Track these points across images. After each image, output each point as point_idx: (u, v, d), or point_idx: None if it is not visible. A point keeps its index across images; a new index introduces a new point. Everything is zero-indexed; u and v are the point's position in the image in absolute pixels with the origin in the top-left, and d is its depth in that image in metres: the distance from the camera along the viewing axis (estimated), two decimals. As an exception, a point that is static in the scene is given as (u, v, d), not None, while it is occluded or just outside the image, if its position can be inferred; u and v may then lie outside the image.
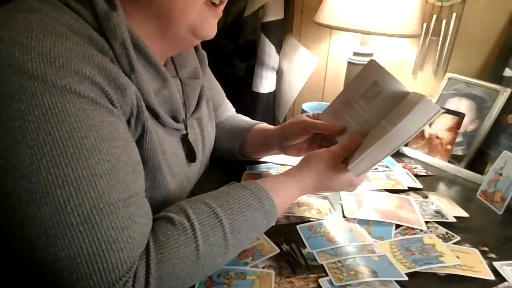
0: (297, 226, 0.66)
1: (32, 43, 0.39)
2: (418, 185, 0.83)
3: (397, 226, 0.67)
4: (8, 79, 0.38)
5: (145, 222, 0.45)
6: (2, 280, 0.46)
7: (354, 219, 0.69)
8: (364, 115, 0.65)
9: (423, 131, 0.96)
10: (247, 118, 0.88)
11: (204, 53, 0.74)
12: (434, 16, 1.12)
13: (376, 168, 0.89)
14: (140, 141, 0.52)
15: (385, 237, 0.64)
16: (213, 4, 0.54)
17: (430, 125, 0.95)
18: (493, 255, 0.62)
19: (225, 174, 0.81)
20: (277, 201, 0.55)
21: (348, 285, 0.53)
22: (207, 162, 0.81)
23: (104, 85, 0.44)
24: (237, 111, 0.94)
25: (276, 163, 0.89)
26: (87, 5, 0.47)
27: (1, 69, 0.39)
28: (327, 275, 0.55)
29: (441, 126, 0.95)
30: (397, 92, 0.61)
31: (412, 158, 0.98)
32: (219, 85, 0.88)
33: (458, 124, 0.92)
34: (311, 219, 0.69)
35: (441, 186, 0.85)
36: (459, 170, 0.90)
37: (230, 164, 0.85)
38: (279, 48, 1.48)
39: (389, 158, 0.93)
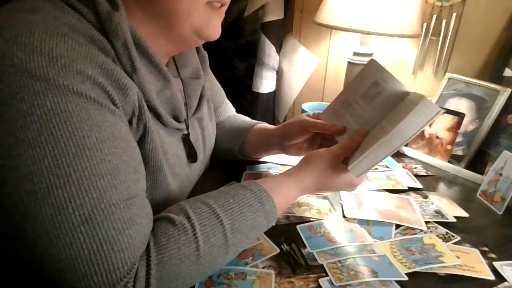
0: (297, 226, 0.66)
1: (34, 43, 0.39)
2: (418, 185, 0.83)
3: (397, 226, 0.68)
4: (10, 79, 0.39)
5: (146, 222, 0.45)
6: (3, 280, 0.46)
7: (354, 219, 0.69)
8: (364, 115, 0.65)
9: (423, 131, 0.96)
10: (247, 118, 0.89)
11: (205, 53, 0.74)
12: (434, 16, 1.12)
13: (376, 168, 0.89)
14: (141, 141, 0.52)
15: (385, 237, 0.64)
16: (215, 5, 0.54)
17: (430, 125, 0.95)
18: (493, 255, 0.62)
19: (225, 174, 0.81)
20: (277, 201, 0.55)
21: (348, 285, 0.54)
22: (207, 162, 0.81)
23: (106, 85, 0.44)
24: (237, 111, 0.94)
25: (276, 163, 0.89)
26: (89, 5, 0.47)
27: (3, 69, 0.39)
28: (327, 275, 0.55)
29: (441, 126, 0.95)
30: (397, 92, 0.61)
31: (412, 158, 0.98)
32: (219, 85, 0.88)
33: (458, 124, 0.92)
34: (311, 219, 0.69)
35: (441, 186, 0.85)
36: (459, 170, 0.90)
37: (230, 164, 0.85)
38: (279, 48, 1.48)
39: (389, 158, 0.93)
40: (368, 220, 0.69)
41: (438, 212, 0.72)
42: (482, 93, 0.96)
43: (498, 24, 1.03)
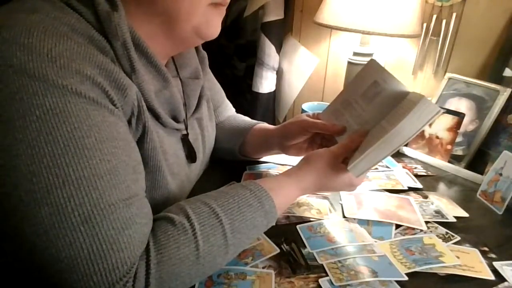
0: (297, 226, 0.66)
1: (34, 43, 0.39)
2: (418, 185, 0.83)
3: (397, 226, 0.68)
4: (9, 79, 0.39)
5: (145, 222, 0.45)
6: (2, 280, 0.46)
7: (354, 219, 0.69)
8: (364, 115, 0.65)
9: (423, 131, 0.96)
10: (247, 118, 0.89)
11: (204, 53, 0.74)
12: (434, 16, 1.12)
13: (376, 168, 0.89)
14: (140, 141, 0.52)
15: (385, 237, 0.64)
16: (217, 4, 0.54)
17: (430, 125, 0.95)
18: (493, 255, 0.62)
19: (225, 174, 0.81)
20: (277, 201, 0.55)
21: (348, 285, 0.54)
22: (207, 162, 0.81)
23: (105, 85, 0.44)
24: (237, 111, 0.94)
25: (276, 163, 0.89)
26: (89, 5, 0.47)
27: (2, 69, 0.39)
28: (327, 275, 0.55)
29: (441, 126, 0.95)
30: (397, 92, 0.61)
31: (412, 158, 0.98)
32: (219, 85, 0.88)
33: (458, 124, 0.92)
34: (311, 219, 0.69)
35: (441, 186, 0.85)
36: (459, 170, 0.90)
37: (230, 164, 0.85)
38: (279, 48, 1.48)
39: (389, 158, 0.93)
40: (368, 220, 0.69)
41: (438, 212, 0.72)
42: (482, 93, 0.96)
43: (498, 24, 1.03)
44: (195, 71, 0.69)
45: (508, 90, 0.91)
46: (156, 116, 0.55)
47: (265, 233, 0.60)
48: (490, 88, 0.95)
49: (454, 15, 1.09)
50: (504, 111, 0.92)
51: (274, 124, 0.81)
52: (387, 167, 0.90)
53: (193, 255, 0.45)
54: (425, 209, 0.73)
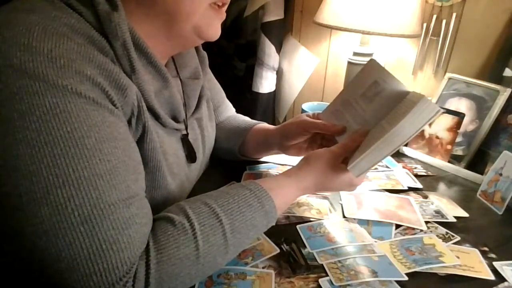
0: (297, 226, 0.66)
1: (33, 43, 0.39)
2: (418, 185, 0.83)
3: (397, 226, 0.68)
4: (9, 79, 0.39)
5: (145, 222, 0.45)
6: (2, 280, 0.46)
7: (354, 219, 0.69)
8: (364, 114, 0.65)
9: (423, 131, 0.96)
10: (247, 118, 0.89)
11: (204, 53, 0.74)
12: (434, 16, 1.12)
13: (376, 168, 0.89)
14: (140, 142, 0.52)
15: (385, 237, 0.64)
16: (217, 5, 0.54)
17: (430, 125, 0.95)
18: (493, 255, 0.62)
19: (225, 174, 0.81)
20: (277, 201, 0.55)
21: (348, 285, 0.53)
22: (207, 162, 0.81)
23: (105, 85, 0.44)
24: (237, 111, 0.94)
25: (276, 163, 0.89)
26: (89, 5, 0.46)
27: (2, 69, 0.39)
28: (327, 275, 0.55)
29: (441, 126, 0.95)
30: (397, 92, 0.61)
31: (412, 158, 0.98)
32: (219, 85, 0.88)
33: (458, 124, 0.92)
34: (311, 219, 0.69)
35: (441, 186, 0.85)
36: (459, 170, 0.90)
37: (230, 164, 0.85)
38: (279, 48, 1.48)
39: (389, 158, 0.93)
40: (368, 220, 0.69)
41: (438, 212, 0.72)
42: (482, 93, 0.96)
43: (498, 24, 1.03)
44: (195, 71, 0.69)
45: (508, 90, 0.91)
46: (156, 116, 0.55)
47: (265, 233, 0.60)
48: (490, 88, 0.95)
49: (454, 15, 1.09)
50: (504, 111, 0.92)
51: (274, 124, 0.81)
52: (387, 167, 0.90)
53: (193, 255, 0.45)
54: (425, 209, 0.73)
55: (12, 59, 0.39)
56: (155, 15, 0.52)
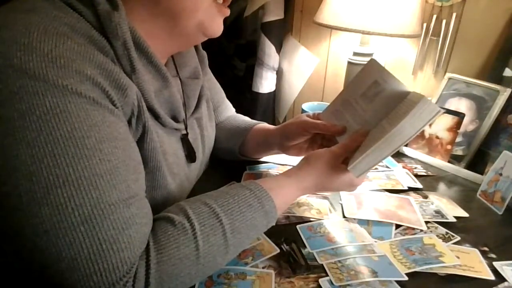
0: (297, 226, 0.66)
1: (33, 43, 0.39)
2: (418, 185, 0.83)
3: (397, 226, 0.68)
4: (9, 79, 0.38)
5: (146, 222, 0.45)
6: (2, 280, 0.46)
7: (354, 219, 0.69)
8: (364, 114, 0.65)
9: (423, 131, 0.96)
10: (247, 118, 0.88)
11: (204, 53, 0.74)
12: (434, 16, 1.12)
13: (376, 168, 0.89)
14: (140, 141, 0.52)
15: (385, 237, 0.64)
16: (219, 1, 0.55)
17: (430, 125, 0.95)
18: (493, 255, 0.62)
19: (225, 174, 0.81)
20: (277, 201, 0.55)
21: (348, 285, 0.54)
22: (207, 162, 0.81)
23: (105, 85, 0.44)
24: (237, 111, 0.94)
25: (276, 163, 0.89)
26: (89, 5, 0.46)
27: (2, 69, 0.39)
28: (327, 275, 0.55)
29: (441, 126, 0.95)
30: (397, 92, 0.61)
31: (412, 158, 0.98)
32: (219, 85, 0.88)
33: (458, 124, 0.92)
34: (311, 219, 0.69)
35: (441, 186, 0.85)
36: (459, 170, 0.90)
37: (230, 164, 0.85)
38: (279, 48, 1.48)
39: (389, 158, 0.93)
40: (368, 220, 0.69)
41: (438, 212, 0.72)
42: (482, 93, 0.96)
43: (498, 24, 1.03)
44: (194, 71, 0.69)
45: (508, 90, 0.91)
46: (156, 116, 0.55)
47: (265, 233, 0.60)
48: (490, 88, 0.95)
49: (454, 15, 1.09)
50: (504, 111, 0.92)
51: (274, 124, 0.81)
52: (387, 167, 0.91)
53: (193, 255, 0.45)
54: (425, 209, 0.73)
55: (12, 59, 0.39)
56: (158, 13, 0.52)
